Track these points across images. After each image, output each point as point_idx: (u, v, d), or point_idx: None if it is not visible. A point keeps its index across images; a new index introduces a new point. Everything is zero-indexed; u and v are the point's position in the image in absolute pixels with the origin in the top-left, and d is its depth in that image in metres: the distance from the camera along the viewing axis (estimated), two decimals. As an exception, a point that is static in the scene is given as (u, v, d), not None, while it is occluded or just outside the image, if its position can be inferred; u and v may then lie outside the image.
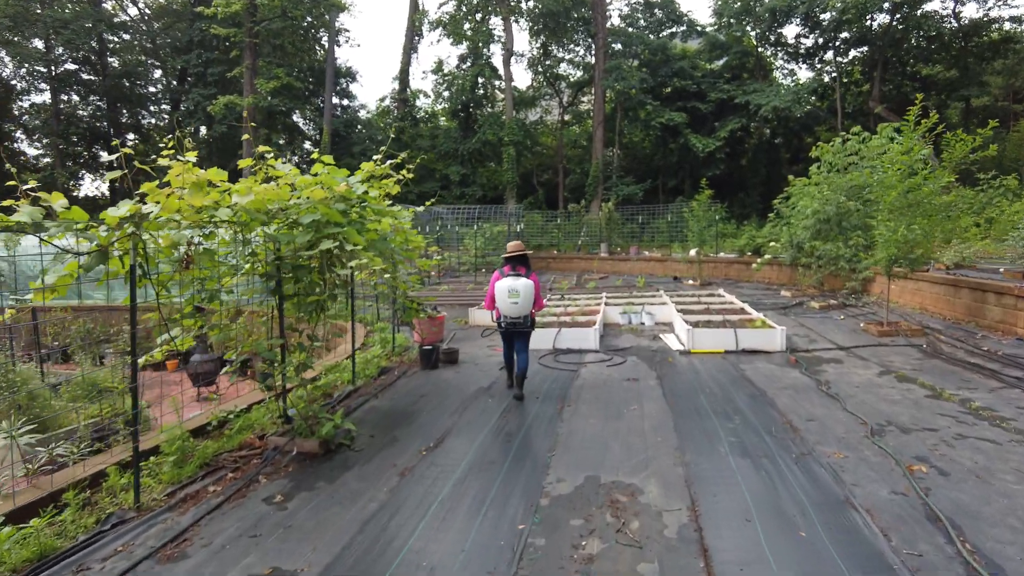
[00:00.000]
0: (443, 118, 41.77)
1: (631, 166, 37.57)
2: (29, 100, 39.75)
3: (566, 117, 40.57)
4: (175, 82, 42.64)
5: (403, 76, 39.14)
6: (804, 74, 41.23)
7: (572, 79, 39.86)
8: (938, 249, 13.62)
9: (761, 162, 36.62)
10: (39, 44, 36.75)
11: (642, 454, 5.01)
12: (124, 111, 42.60)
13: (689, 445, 5.21)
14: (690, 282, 19.64)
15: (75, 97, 41.31)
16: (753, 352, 9.16)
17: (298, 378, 5.99)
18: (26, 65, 37.09)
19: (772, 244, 18.66)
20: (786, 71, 38.93)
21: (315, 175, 5.92)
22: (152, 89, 44.12)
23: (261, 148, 5.66)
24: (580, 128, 41.21)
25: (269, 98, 35.26)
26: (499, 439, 5.50)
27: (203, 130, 39.68)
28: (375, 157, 6.97)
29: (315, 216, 5.45)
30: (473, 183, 36.18)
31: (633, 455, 5.00)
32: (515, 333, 6.98)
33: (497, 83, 38.26)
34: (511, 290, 6.71)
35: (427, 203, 9.50)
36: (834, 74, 34.87)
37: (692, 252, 20.81)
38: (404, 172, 7.48)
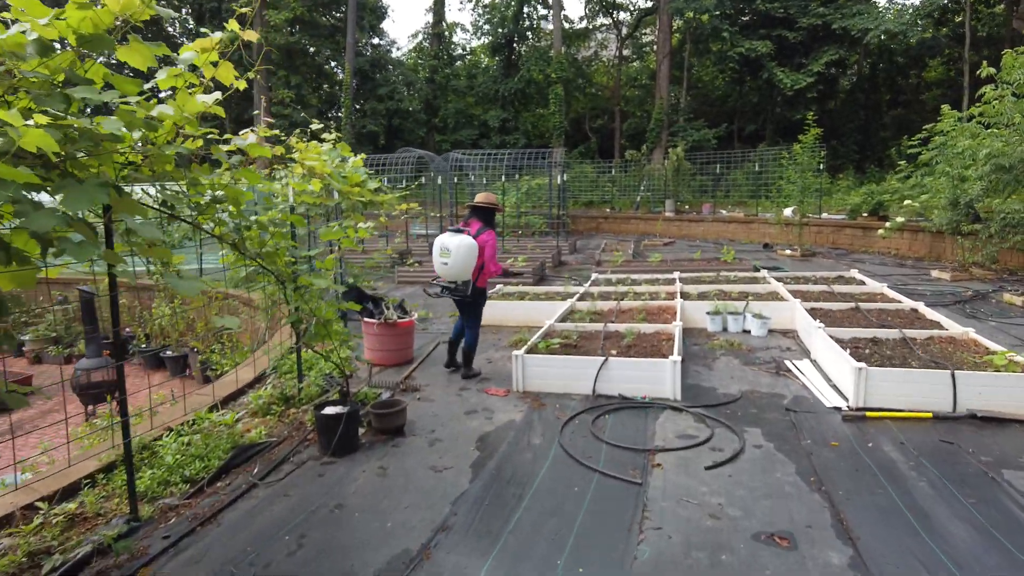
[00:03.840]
0: (483, 55, 36.78)
1: (700, 109, 31.97)
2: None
3: (625, 52, 34.97)
4: (193, 22, 38.95)
5: (438, 7, 34.27)
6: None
7: (632, 6, 34.15)
8: None
9: (858, 104, 30.61)
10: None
11: None
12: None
13: None
14: (787, 252, 14.76)
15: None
16: (992, 420, 4.54)
17: None
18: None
19: (908, 203, 13.52)
20: (892, -9, 32.27)
21: None
22: (171, 31, 40.50)
23: None
24: (641, 64, 35.57)
25: (293, 33, 30.99)
26: None
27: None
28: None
29: None
30: (515, 129, 31.41)
31: None
32: (456, 302, 5.79)
33: (544, 12, 32.99)
34: (443, 248, 5.44)
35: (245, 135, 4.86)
36: (959, -8, 28.20)
37: (788, 212, 15.82)
38: (238, 29, 3.16)
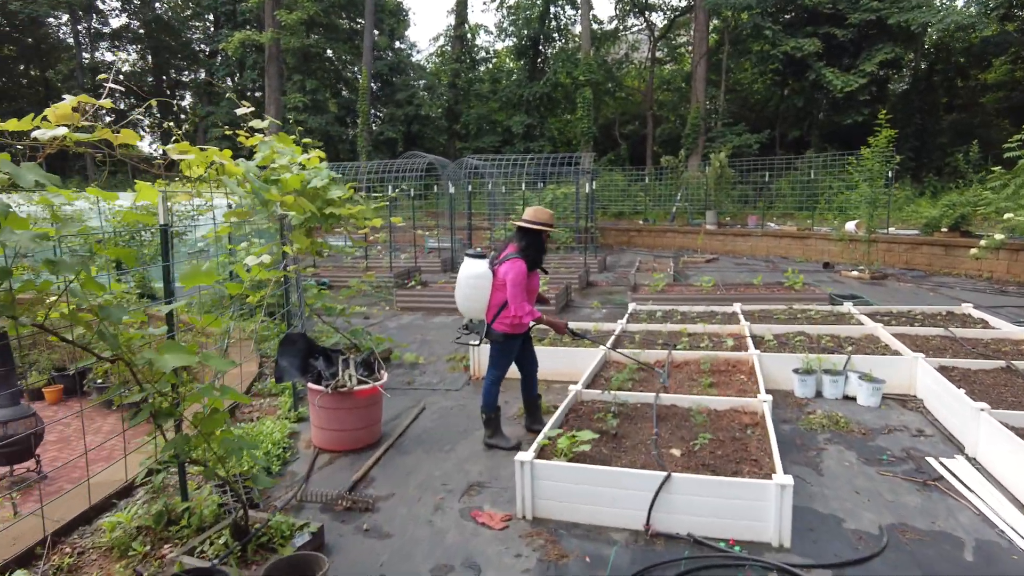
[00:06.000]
0: (507, 58, 35.04)
1: (739, 113, 29.73)
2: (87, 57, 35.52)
3: (657, 54, 32.91)
4: (212, 27, 37.96)
5: (460, 8, 32.61)
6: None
7: (666, 6, 32.10)
8: None
9: (913, 107, 28.06)
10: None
11: None
12: (172, 65, 38.67)
13: None
14: (853, 274, 12.62)
15: (132, 54, 37.84)
16: None
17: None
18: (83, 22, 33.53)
19: (1008, 216, 11.30)
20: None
21: None
22: (194, 36, 39.70)
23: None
24: (675, 67, 33.48)
25: (311, 36, 29.54)
26: None
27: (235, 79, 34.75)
28: None
29: None
30: (540, 136, 29.46)
31: None
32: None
33: (572, 13, 31.13)
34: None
35: None
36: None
37: (850, 226, 13.69)
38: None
